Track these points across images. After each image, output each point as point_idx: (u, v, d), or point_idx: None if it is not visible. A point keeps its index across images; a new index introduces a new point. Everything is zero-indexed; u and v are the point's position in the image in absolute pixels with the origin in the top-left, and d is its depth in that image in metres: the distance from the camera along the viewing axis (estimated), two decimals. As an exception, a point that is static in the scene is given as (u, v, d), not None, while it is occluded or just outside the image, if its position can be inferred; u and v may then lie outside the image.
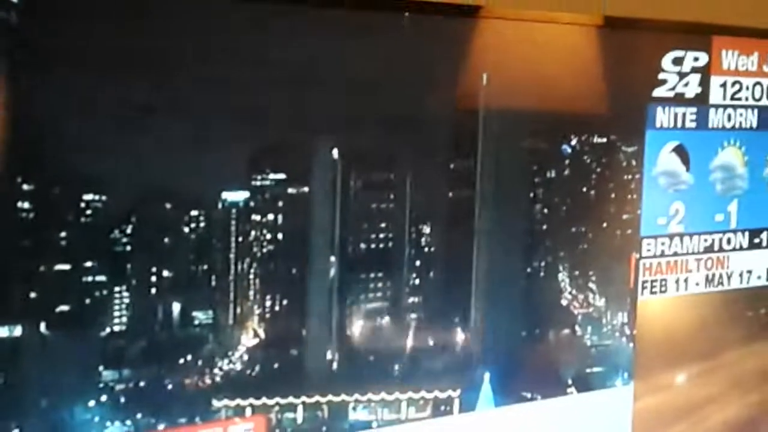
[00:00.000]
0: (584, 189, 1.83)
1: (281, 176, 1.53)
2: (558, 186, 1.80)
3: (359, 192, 1.61)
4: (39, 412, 1.35)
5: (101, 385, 1.40)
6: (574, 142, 1.80)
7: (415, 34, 1.62)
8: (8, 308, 1.32)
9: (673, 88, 1.88)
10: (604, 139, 1.83)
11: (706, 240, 1.98)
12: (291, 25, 1.50)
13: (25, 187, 1.30)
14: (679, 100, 1.90)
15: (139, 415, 1.42)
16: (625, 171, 1.87)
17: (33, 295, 1.34)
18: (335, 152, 1.57)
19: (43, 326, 1.35)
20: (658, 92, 1.87)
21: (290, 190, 1.54)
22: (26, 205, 1.30)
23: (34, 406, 1.35)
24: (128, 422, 1.41)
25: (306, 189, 1.55)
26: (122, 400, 1.41)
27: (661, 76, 1.87)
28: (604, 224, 1.86)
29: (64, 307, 1.37)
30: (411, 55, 1.62)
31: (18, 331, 1.32)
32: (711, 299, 2.02)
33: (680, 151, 1.92)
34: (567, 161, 1.80)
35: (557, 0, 2.03)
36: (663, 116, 1.88)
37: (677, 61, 1.88)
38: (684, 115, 1.91)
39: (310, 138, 1.56)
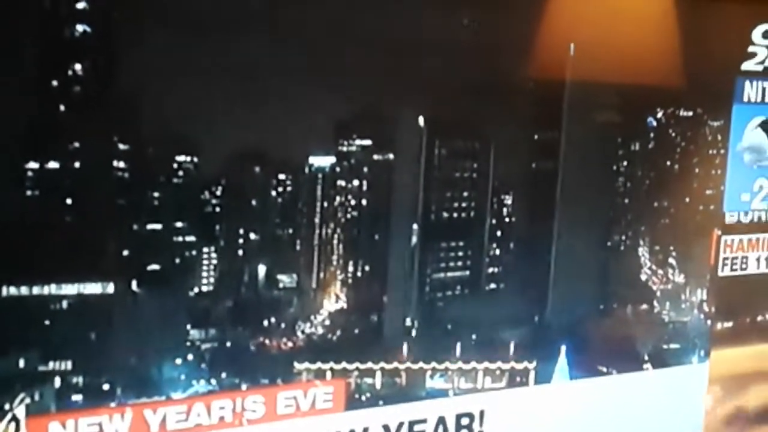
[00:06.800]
0: (668, 163, 1.80)
1: (367, 142, 1.53)
2: (641, 159, 1.78)
3: (443, 160, 1.60)
4: (128, 368, 1.38)
5: (188, 344, 1.42)
6: (659, 114, 1.77)
7: (503, 3, 1.60)
8: (102, 265, 1.34)
9: (762, 62, 1.84)
10: (690, 113, 1.80)
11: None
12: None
13: (121, 146, 1.32)
14: (768, 74, 1.85)
15: (223, 375, 1.44)
16: (710, 146, 1.83)
17: (125, 253, 1.36)
18: (421, 120, 1.57)
19: (134, 284, 1.37)
20: (747, 66, 1.83)
21: (375, 157, 1.54)
22: (122, 164, 1.32)
23: (124, 362, 1.38)
24: (213, 381, 1.43)
25: (391, 156, 1.55)
26: (208, 358, 1.43)
27: (750, 49, 1.83)
28: (687, 199, 1.83)
29: (155, 266, 1.39)
30: (499, 24, 1.61)
31: (110, 288, 1.35)
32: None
33: (766, 127, 1.88)
34: (652, 134, 1.77)
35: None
36: (751, 90, 1.84)
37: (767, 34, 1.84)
38: (773, 89, 1.87)
39: (397, 105, 1.55)
